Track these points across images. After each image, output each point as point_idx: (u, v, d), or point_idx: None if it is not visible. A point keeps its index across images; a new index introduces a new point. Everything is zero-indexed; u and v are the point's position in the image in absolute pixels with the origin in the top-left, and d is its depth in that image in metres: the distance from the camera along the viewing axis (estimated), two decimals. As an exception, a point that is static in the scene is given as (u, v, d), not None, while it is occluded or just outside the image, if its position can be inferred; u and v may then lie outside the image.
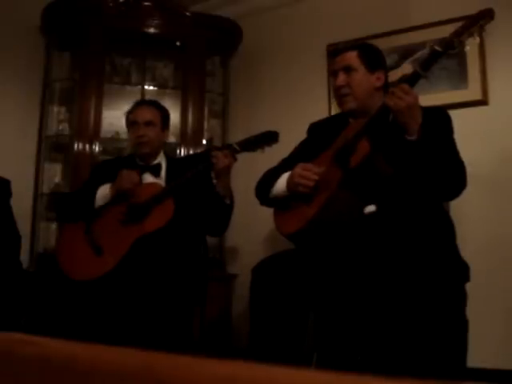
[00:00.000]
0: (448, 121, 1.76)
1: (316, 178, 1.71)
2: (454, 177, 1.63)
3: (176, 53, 3.33)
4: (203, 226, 2.26)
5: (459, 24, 1.68)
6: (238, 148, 2.08)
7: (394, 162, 1.65)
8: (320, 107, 3.09)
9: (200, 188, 2.17)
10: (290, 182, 1.78)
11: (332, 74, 1.91)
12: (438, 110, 1.81)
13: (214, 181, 2.12)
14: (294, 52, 3.30)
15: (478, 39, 1.66)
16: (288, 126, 3.17)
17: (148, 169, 2.27)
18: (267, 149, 2.09)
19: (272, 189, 1.86)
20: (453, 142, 1.73)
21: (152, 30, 3.19)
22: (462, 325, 1.56)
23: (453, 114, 1.85)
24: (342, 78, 1.82)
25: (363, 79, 1.82)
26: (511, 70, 2.63)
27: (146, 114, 2.29)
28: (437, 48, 1.63)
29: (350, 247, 1.59)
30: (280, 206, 1.86)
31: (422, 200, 1.65)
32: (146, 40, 3.23)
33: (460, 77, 2.69)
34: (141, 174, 2.24)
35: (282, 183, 1.82)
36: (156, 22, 3.19)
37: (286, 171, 1.85)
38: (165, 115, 2.37)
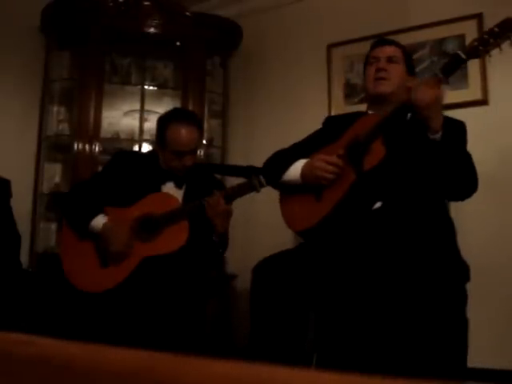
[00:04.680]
0: (464, 132, 1.76)
1: (339, 171, 1.70)
2: (469, 178, 1.65)
3: (176, 53, 3.33)
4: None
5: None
6: (264, 183, 1.94)
7: (408, 164, 1.65)
8: (320, 106, 3.10)
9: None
10: (308, 173, 1.77)
11: (372, 60, 1.87)
12: (456, 121, 1.80)
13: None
14: (294, 52, 3.30)
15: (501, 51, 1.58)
16: (288, 125, 3.18)
17: (172, 178, 2.14)
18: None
19: (284, 174, 1.84)
20: (466, 149, 1.74)
21: (152, 30, 3.19)
22: (463, 324, 1.56)
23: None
24: (384, 63, 1.82)
25: (402, 73, 1.84)
26: (511, 69, 2.63)
27: (192, 142, 2.11)
28: (461, 54, 1.60)
29: (353, 245, 1.59)
30: (286, 191, 1.85)
31: (427, 199, 1.65)
32: (146, 40, 3.23)
33: (460, 77, 2.69)
34: (163, 181, 2.13)
35: (295, 171, 1.81)
36: (156, 22, 3.19)
37: (297, 157, 1.84)
38: (201, 130, 2.23)
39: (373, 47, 1.92)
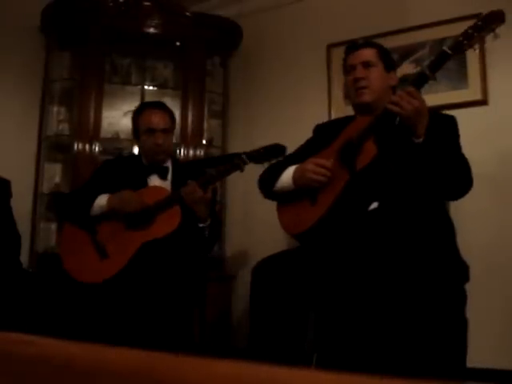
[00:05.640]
0: (455, 126, 1.77)
1: (329, 174, 1.71)
2: (459, 177, 1.65)
3: (176, 53, 3.33)
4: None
5: (469, 24, 1.67)
6: (247, 160, 2.07)
7: (400, 163, 1.66)
8: (320, 106, 3.10)
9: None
10: (300, 177, 1.78)
11: (349, 68, 1.88)
12: (446, 116, 1.81)
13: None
14: (294, 52, 3.30)
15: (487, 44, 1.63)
16: (288, 125, 3.18)
17: (155, 170, 2.26)
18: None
19: (277, 182, 1.86)
20: (459, 146, 1.75)
21: (152, 30, 3.19)
22: (462, 324, 1.56)
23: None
24: (361, 71, 1.82)
25: (381, 74, 1.85)
26: (511, 69, 2.63)
27: (162, 122, 2.26)
28: (446, 50, 1.61)
29: (352, 245, 1.59)
30: (282, 199, 1.86)
31: (425, 199, 1.66)
32: (146, 40, 3.23)
33: (460, 77, 2.69)
34: (148, 175, 2.24)
35: (287, 177, 1.82)
36: (156, 22, 3.19)
37: (289, 166, 1.85)
38: (173, 118, 2.36)
39: (347, 53, 1.91)
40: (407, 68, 2.84)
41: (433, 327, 1.48)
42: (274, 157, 2.06)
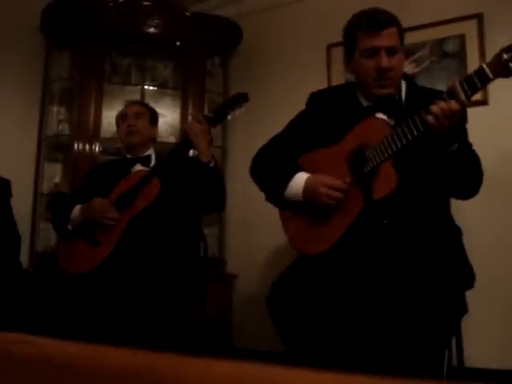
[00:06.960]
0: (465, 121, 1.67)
1: (343, 197, 1.58)
2: (477, 177, 1.61)
3: (176, 53, 3.34)
4: (201, 203, 2.24)
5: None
6: (211, 115, 2.15)
7: (421, 183, 1.59)
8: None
9: (182, 164, 2.23)
10: (311, 197, 1.62)
11: (367, 52, 1.61)
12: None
13: (194, 151, 2.20)
14: (294, 52, 3.30)
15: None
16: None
17: (138, 160, 2.33)
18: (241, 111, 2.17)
19: (284, 191, 1.67)
20: (469, 142, 1.66)
21: (152, 30, 3.20)
22: (456, 331, 1.56)
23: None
24: (387, 60, 1.58)
25: (402, 63, 1.64)
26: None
27: (135, 108, 2.38)
28: (487, 72, 1.39)
29: (363, 258, 1.56)
30: (284, 207, 1.74)
31: (433, 204, 1.62)
32: (146, 40, 3.23)
33: (460, 77, 2.68)
34: (131, 166, 2.31)
35: (296, 189, 1.66)
36: (156, 21, 3.19)
37: (286, 152, 1.73)
38: (153, 112, 2.43)
39: (363, 29, 1.65)
40: (407, 68, 2.84)
41: (432, 331, 1.47)
42: (237, 105, 2.14)
